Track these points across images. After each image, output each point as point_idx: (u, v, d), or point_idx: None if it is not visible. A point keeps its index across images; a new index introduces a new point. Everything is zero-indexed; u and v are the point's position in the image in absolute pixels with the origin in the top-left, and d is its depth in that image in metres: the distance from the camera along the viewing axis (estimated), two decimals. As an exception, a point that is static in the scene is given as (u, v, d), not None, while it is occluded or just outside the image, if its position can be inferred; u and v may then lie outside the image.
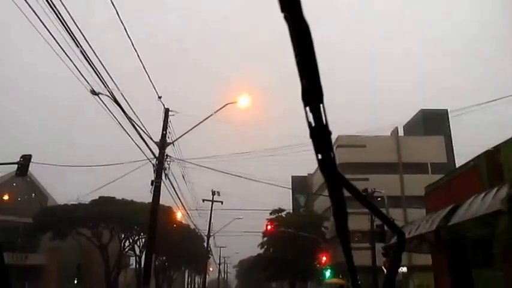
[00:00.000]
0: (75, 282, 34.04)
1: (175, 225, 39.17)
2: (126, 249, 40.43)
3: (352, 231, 39.81)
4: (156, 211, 15.10)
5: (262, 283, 57.69)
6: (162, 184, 15.92)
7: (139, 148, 15.25)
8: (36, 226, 34.66)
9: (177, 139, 15.45)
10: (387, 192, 34.98)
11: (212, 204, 37.44)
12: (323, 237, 38.96)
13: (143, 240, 43.68)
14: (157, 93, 13.85)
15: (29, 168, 44.74)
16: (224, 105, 15.49)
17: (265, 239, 40.06)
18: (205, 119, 15.38)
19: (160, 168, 14.88)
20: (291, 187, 51.47)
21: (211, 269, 77.71)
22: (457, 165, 34.40)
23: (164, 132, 15.23)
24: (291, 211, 46.67)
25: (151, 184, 14.91)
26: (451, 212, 11.05)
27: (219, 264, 63.69)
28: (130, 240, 40.12)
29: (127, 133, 14.57)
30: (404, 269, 39.65)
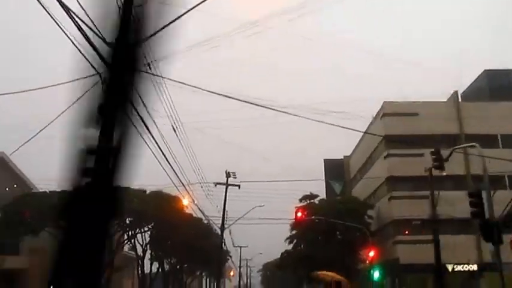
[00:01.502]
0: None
1: (181, 216, 33.42)
2: (125, 244, 34.95)
3: (405, 219, 33.58)
4: (106, 159, 9.04)
5: (291, 288, 51.63)
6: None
7: (78, 49, 9.06)
8: (5, 220, 29.57)
9: (150, 37, 9.34)
10: (447, 171, 28.64)
11: (226, 189, 31.86)
12: (367, 229, 32.70)
13: (146, 236, 38.25)
14: None
15: (10, 156, 40.54)
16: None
17: (294, 231, 33.97)
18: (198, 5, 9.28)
19: (114, 83, 8.83)
20: (323, 170, 45.46)
21: (232, 273, 72.15)
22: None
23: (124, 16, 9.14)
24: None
25: (100, 112, 8.86)
26: None
27: (240, 267, 57.93)
28: (126, 236, 34.59)
29: (56, 22, 8.62)
30: (474, 267, 33.08)
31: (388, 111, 35.08)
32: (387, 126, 35.00)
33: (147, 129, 11.92)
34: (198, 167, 23.41)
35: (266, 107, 12.43)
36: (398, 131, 34.89)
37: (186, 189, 21.01)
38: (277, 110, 12.73)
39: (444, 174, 26.98)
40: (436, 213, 28.66)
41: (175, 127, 14.83)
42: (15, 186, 38.35)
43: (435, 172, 28.91)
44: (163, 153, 14.13)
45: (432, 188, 28.69)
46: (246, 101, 12.29)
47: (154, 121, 12.61)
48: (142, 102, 11.78)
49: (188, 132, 17.69)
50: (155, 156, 14.12)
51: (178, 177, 17.37)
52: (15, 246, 34.46)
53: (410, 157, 34.13)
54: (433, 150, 30.98)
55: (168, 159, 14.95)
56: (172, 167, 15.16)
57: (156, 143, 13.18)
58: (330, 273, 12.64)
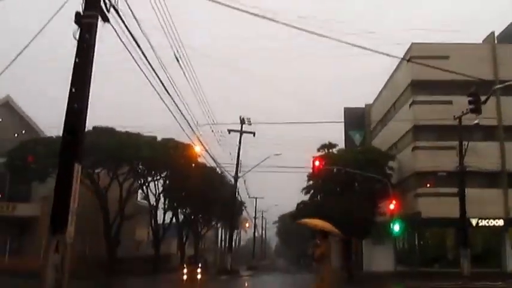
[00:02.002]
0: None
1: (194, 165, 32.48)
2: (136, 192, 34.37)
3: (428, 171, 32.09)
4: (85, 75, 7.88)
5: (307, 240, 51.26)
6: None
7: None
8: (10, 166, 29.06)
9: None
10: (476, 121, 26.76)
11: (241, 136, 30.70)
12: (388, 181, 31.34)
13: (158, 184, 37.65)
14: None
15: (16, 101, 39.89)
16: None
17: (311, 182, 32.80)
18: None
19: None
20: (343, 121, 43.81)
21: (247, 224, 72.42)
22: None
23: None
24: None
25: (76, 22, 7.51)
26: None
27: (255, 218, 57.74)
28: (137, 184, 33.97)
29: None
30: (499, 222, 31.74)
31: (416, 54, 32.71)
32: (414, 70, 32.81)
33: (140, 49, 10.41)
34: (207, 104, 22.06)
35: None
36: (426, 76, 32.81)
37: (194, 131, 19.74)
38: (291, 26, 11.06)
39: (476, 121, 25.21)
40: (463, 164, 27.13)
41: (178, 56, 13.36)
42: (23, 132, 37.75)
43: (464, 121, 27.19)
44: (163, 85, 12.78)
45: (461, 137, 27.01)
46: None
47: (151, 44, 11.10)
48: (132, 14, 10.13)
49: (194, 63, 16.20)
50: (154, 89, 12.73)
51: (183, 116, 16.07)
52: (26, 194, 34.26)
53: (437, 104, 32.20)
54: (462, 96, 29.13)
55: (171, 94, 13.62)
56: (175, 102, 13.83)
57: (154, 72, 11.78)
58: (318, 221, 11.31)
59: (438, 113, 30.93)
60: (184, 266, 36.49)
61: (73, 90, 9.06)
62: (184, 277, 30.48)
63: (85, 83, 9.06)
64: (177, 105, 14.34)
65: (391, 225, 28.75)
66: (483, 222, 31.52)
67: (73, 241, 9.10)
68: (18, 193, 34.08)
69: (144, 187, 36.89)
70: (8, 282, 20.00)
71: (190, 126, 18.06)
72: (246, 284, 25.88)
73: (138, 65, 11.58)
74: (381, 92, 42.32)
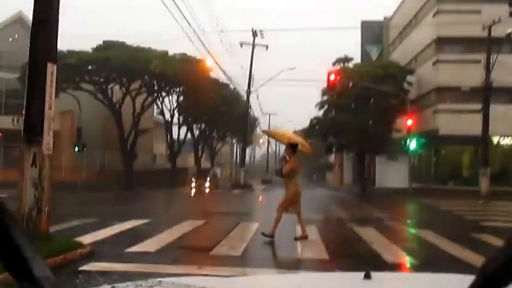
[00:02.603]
0: (76, 149, 27.79)
1: (206, 79, 30.76)
2: (149, 106, 33.08)
3: (450, 86, 29.91)
4: None
5: (320, 156, 50.47)
6: None
7: None
8: (21, 80, 27.71)
9: None
10: (503, 33, 24.17)
11: (253, 49, 28.53)
12: (406, 96, 29.34)
13: (172, 99, 36.35)
14: None
15: (29, 17, 37.87)
16: None
17: (326, 97, 30.88)
18: None
19: None
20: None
21: (261, 140, 71.93)
22: None
23: None
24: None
25: None
26: None
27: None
28: (150, 99, 32.63)
29: None
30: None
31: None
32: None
33: None
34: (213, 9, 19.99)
35: None
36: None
37: (200, 39, 17.82)
38: None
39: (509, 31, 22.67)
40: (489, 79, 24.93)
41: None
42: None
43: (492, 34, 24.57)
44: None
45: (489, 49, 24.60)
46: None
47: None
48: None
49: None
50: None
51: (189, 23, 14.15)
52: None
53: (464, 14, 29.05)
54: (492, 5, 26.14)
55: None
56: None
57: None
58: (288, 133, 9.93)
59: (464, 23, 28.04)
60: (193, 180, 35.23)
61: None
62: (193, 191, 29.69)
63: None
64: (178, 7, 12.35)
65: (407, 141, 27.24)
66: (505, 140, 29.76)
67: (52, 153, 7.75)
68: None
69: (159, 102, 35.71)
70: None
71: (196, 34, 16.09)
72: (260, 198, 25.09)
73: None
74: (402, 3, 38.67)
